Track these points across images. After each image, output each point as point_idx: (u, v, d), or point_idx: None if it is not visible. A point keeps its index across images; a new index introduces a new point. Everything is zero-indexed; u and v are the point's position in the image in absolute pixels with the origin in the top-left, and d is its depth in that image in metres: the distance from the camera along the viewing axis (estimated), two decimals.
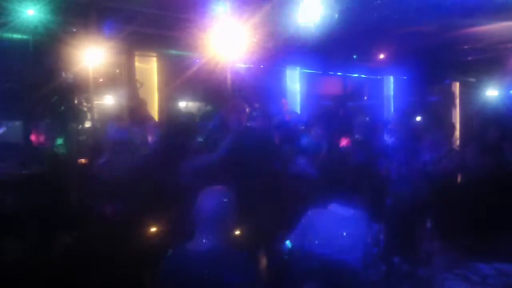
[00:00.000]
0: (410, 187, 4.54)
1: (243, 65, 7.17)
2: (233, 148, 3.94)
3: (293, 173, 4.21)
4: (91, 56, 5.54)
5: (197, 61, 6.76)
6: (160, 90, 7.00)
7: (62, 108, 5.36)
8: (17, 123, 5.09)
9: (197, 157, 3.90)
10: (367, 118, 5.60)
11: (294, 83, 8.67)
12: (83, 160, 4.68)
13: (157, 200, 3.69)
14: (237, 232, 3.02)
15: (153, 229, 4.01)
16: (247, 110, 5.17)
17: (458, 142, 7.50)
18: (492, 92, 10.26)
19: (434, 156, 4.79)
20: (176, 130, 4.16)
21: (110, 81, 6.38)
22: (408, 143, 4.84)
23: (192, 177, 3.67)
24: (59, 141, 5.02)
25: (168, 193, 3.78)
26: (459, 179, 5.02)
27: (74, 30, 5.22)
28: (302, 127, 5.46)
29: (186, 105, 7.39)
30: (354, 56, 8.76)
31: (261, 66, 7.61)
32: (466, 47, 8.62)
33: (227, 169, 3.87)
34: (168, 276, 2.34)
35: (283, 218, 3.57)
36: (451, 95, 11.08)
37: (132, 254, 3.31)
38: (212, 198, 2.29)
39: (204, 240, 2.23)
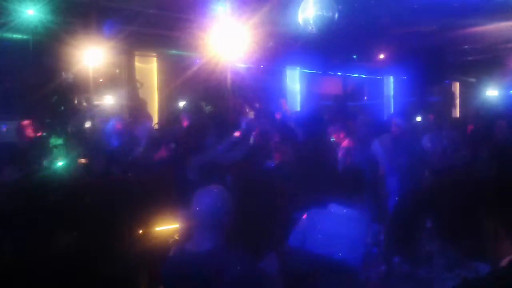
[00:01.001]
0: (410, 187, 4.53)
1: (243, 65, 7.18)
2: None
3: (293, 172, 4.21)
4: (91, 56, 5.54)
5: (197, 61, 6.76)
6: (160, 90, 7.01)
7: (62, 108, 5.36)
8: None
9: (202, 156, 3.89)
10: (368, 118, 5.59)
11: (294, 83, 8.68)
12: (83, 160, 4.68)
13: (158, 199, 3.68)
14: (237, 232, 3.01)
15: (154, 230, 4.01)
16: (248, 110, 5.18)
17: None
18: (492, 92, 10.27)
19: (440, 155, 4.78)
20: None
21: (110, 81, 6.39)
22: (410, 142, 4.82)
23: (196, 175, 3.67)
24: (59, 141, 5.02)
25: (170, 192, 3.78)
26: (460, 178, 5.01)
27: (74, 30, 5.22)
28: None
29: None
30: (354, 56, 8.76)
31: (261, 66, 7.61)
32: (466, 47, 8.63)
33: (227, 169, 3.87)
34: (169, 276, 2.34)
35: (283, 217, 3.57)
36: (451, 95, 11.09)
37: (132, 254, 3.31)
38: (211, 198, 2.28)
39: (203, 240, 2.23)
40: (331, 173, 4.07)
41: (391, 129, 4.99)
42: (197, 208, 2.25)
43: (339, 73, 9.57)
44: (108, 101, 6.64)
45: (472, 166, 4.55)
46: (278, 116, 5.29)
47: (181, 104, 7.26)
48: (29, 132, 4.53)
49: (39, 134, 4.53)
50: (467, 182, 3.88)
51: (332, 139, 5.27)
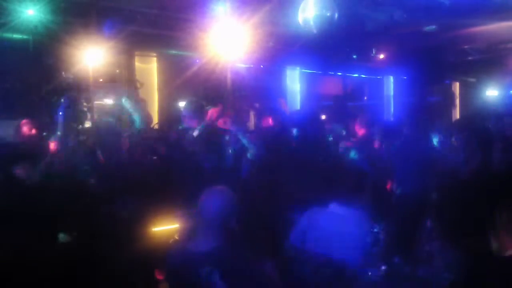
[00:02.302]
0: (412, 186, 4.52)
1: (243, 65, 7.18)
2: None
3: (294, 172, 4.20)
4: (91, 56, 5.54)
5: (197, 61, 6.76)
6: (160, 90, 7.00)
7: None
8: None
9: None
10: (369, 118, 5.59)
11: (294, 83, 8.67)
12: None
13: (161, 199, 3.69)
14: (239, 232, 3.02)
15: (156, 230, 4.01)
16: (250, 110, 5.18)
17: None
18: (492, 92, 10.27)
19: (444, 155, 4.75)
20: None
21: (110, 81, 6.38)
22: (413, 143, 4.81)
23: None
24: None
25: (172, 192, 3.79)
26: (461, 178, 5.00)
27: (74, 30, 5.22)
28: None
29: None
30: (354, 56, 8.76)
31: (261, 66, 7.61)
32: (466, 47, 8.62)
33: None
34: (171, 275, 2.34)
35: (284, 217, 3.57)
36: (451, 95, 11.08)
37: (133, 254, 3.31)
38: (214, 198, 2.29)
39: (206, 240, 2.23)
40: (329, 172, 4.06)
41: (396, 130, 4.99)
42: (203, 208, 2.26)
43: (339, 73, 9.57)
44: (108, 101, 6.64)
45: (482, 164, 4.51)
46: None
47: (181, 104, 7.26)
48: (26, 131, 4.52)
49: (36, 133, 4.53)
50: (474, 180, 3.88)
51: (330, 138, 5.27)
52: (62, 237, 3.23)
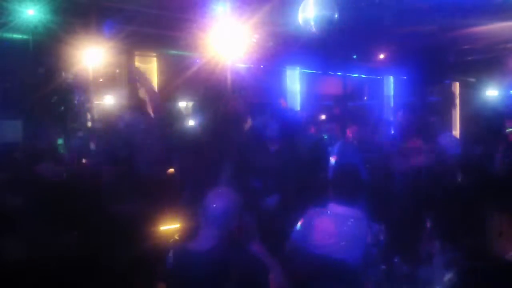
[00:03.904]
0: (412, 186, 4.52)
1: (243, 65, 7.18)
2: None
3: (295, 171, 4.19)
4: (91, 56, 5.54)
5: (197, 61, 6.76)
6: (160, 90, 7.00)
7: (62, 108, 5.37)
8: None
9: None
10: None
11: (294, 83, 8.68)
12: (83, 160, 4.68)
13: (162, 198, 3.69)
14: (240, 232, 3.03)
15: (157, 229, 4.01)
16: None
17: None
18: (492, 92, 10.27)
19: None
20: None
21: (110, 81, 6.39)
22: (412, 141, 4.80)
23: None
24: (59, 141, 5.02)
25: (173, 191, 3.79)
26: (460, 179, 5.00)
27: (74, 30, 5.22)
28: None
29: (186, 105, 7.41)
30: (354, 56, 8.76)
31: (261, 66, 7.62)
32: (466, 47, 8.62)
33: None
34: (171, 275, 2.34)
35: (285, 217, 3.57)
36: (451, 95, 11.08)
37: (136, 254, 3.31)
38: (217, 199, 2.29)
39: (208, 240, 2.23)
40: (316, 172, 4.05)
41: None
42: (206, 208, 2.26)
43: (339, 73, 9.57)
44: (108, 101, 6.65)
45: (483, 164, 4.51)
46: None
47: (181, 104, 7.26)
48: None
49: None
50: (475, 180, 3.88)
51: (325, 137, 5.27)
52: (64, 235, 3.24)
